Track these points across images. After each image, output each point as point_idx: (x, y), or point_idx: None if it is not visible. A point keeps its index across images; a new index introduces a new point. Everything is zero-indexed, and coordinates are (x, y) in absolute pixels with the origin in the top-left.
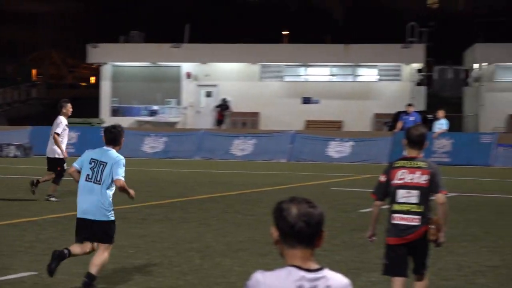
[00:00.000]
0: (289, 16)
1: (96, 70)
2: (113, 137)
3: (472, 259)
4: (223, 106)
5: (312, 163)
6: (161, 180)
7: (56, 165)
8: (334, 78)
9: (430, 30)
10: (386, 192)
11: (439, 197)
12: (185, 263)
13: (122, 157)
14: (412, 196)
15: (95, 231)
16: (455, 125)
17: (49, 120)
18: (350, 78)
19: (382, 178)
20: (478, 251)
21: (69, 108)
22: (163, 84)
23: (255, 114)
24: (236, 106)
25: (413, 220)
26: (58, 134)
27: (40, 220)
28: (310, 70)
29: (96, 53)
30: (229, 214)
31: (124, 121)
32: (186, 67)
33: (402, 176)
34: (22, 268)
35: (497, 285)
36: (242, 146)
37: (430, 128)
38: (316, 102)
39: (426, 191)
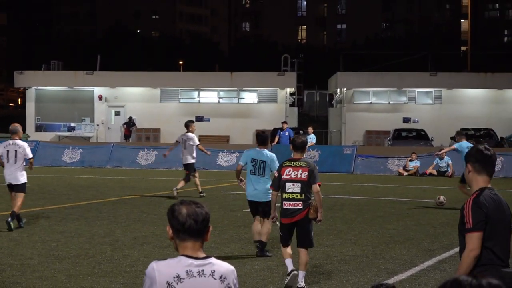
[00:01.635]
0: (184, 48)
1: (22, 93)
2: (264, 139)
3: (338, 250)
4: (130, 123)
5: (205, 170)
6: (78, 185)
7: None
8: (222, 100)
9: (300, 61)
10: (279, 184)
11: (315, 187)
12: (99, 254)
13: (274, 154)
14: (296, 187)
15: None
16: (322, 139)
17: None
18: (235, 100)
19: (276, 174)
20: (343, 243)
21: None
22: (79, 104)
23: (157, 130)
24: (140, 124)
25: (297, 205)
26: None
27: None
28: (202, 93)
29: (22, 78)
30: (135, 213)
31: (47, 136)
32: (98, 90)
33: (289, 172)
34: None
35: (359, 271)
36: (146, 157)
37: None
38: (207, 120)
39: (306, 183)
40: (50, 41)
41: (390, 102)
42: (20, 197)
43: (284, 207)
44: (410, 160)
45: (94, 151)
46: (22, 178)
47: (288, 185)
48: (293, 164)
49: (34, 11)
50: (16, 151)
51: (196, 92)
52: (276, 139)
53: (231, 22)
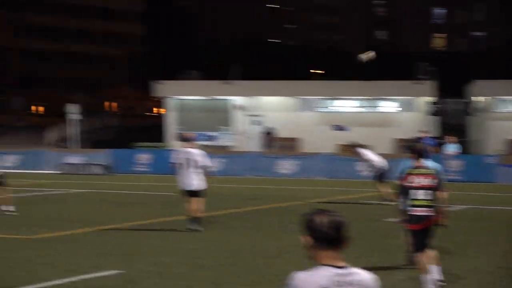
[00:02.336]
0: (322, 56)
1: (161, 103)
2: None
3: (483, 261)
4: (269, 133)
5: (344, 180)
6: (220, 194)
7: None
8: (360, 109)
9: (438, 68)
10: (406, 191)
11: (443, 194)
12: (243, 262)
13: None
14: (425, 194)
15: None
16: (463, 149)
17: (124, 144)
18: (373, 109)
19: (400, 182)
20: (489, 254)
21: None
22: (218, 114)
23: (296, 139)
24: (279, 133)
25: (427, 211)
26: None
27: (120, 227)
28: (340, 102)
29: (161, 88)
30: (278, 222)
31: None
32: (236, 100)
33: (417, 179)
34: (110, 266)
35: (510, 284)
36: (286, 166)
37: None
38: (347, 129)
39: (434, 190)
40: (188, 51)
41: None
42: (197, 202)
43: (414, 213)
44: None
45: (235, 160)
46: (198, 184)
47: (417, 192)
48: (420, 171)
49: (173, 21)
50: (190, 158)
51: (334, 101)
52: None
53: (366, 30)
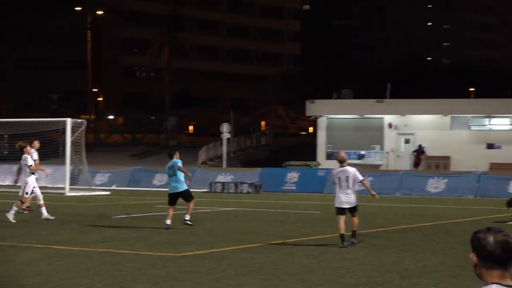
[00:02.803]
0: (475, 74)
1: (313, 122)
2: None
3: None
4: (419, 151)
5: (496, 199)
6: (366, 213)
7: None
8: None
9: None
10: None
11: None
12: (388, 282)
13: None
14: None
15: None
16: None
17: (276, 163)
18: None
19: None
20: None
21: None
22: (369, 132)
23: (447, 158)
24: (430, 151)
25: None
26: None
27: (268, 245)
28: (493, 120)
29: (313, 107)
30: (424, 242)
31: (336, 164)
32: (388, 118)
33: None
34: (253, 284)
35: None
36: (435, 185)
37: None
38: (499, 147)
39: None
40: (341, 70)
41: None
42: (355, 217)
43: None
44: None
45: (384, 179)
46: (354, 200)
47: None
48: None
49: (326, 41)
50: (347, 177)
51: (487, 119)
52: None
53: None
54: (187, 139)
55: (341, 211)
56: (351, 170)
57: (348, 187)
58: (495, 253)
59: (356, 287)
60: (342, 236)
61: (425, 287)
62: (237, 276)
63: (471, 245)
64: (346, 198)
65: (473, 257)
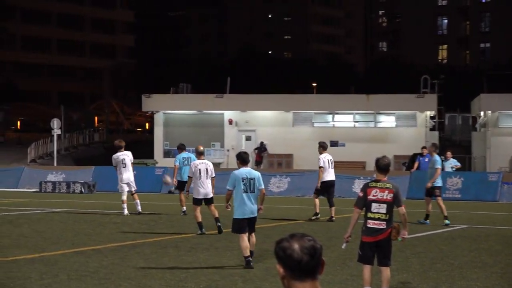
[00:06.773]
0: (317, 69)
1: (149, 117)
2: (245, 158)
3: (483, 284)
4: (261, 149)
5: (339, 198)
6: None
7: None
8: (358, 124)
9: (441, 82)
10: (364, 204)
11: (401, 209)
12: (229, 286)
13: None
14: (381, 208)
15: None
16: (466, 165)
17: (110, 161)
18: (371, 124)
19: (361, 194)
20: (488, 276)
21: None
22: (208, 129)
23: (289, 156)
24: (272, 149)
25: (382, 225)
26: None
27: (102, 248)
28: (337, 117)
29: (149, 102)
30: (267, 244)
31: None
32: (228, 114)
33: (375, 193)
34: None
35: None
36: (278, 184)
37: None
38: (342, 145)
39: (391, 205)
40: (178, 63)
41: None
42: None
43: (368, 225)
44: None
45: (225, 177)
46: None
47: (374, 205)
48: (379, 185)
49: (162, 32)
50: (206, 169)
51: (331, 116)
52: (416, 165)
53: (367, 42)
54: (14, 135)
55: (198, 201)
56: (209, 163)
57: (206, 178)
58: (303, 260)
59: None
60: (199, 223)
61: None
62: (70, 281)
63: (275, 256)
64: (203, 190)
65: (279, 268)
